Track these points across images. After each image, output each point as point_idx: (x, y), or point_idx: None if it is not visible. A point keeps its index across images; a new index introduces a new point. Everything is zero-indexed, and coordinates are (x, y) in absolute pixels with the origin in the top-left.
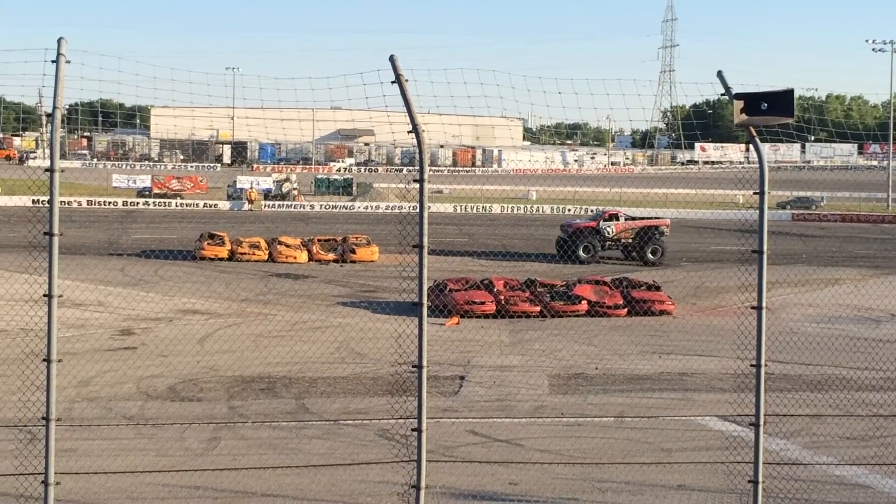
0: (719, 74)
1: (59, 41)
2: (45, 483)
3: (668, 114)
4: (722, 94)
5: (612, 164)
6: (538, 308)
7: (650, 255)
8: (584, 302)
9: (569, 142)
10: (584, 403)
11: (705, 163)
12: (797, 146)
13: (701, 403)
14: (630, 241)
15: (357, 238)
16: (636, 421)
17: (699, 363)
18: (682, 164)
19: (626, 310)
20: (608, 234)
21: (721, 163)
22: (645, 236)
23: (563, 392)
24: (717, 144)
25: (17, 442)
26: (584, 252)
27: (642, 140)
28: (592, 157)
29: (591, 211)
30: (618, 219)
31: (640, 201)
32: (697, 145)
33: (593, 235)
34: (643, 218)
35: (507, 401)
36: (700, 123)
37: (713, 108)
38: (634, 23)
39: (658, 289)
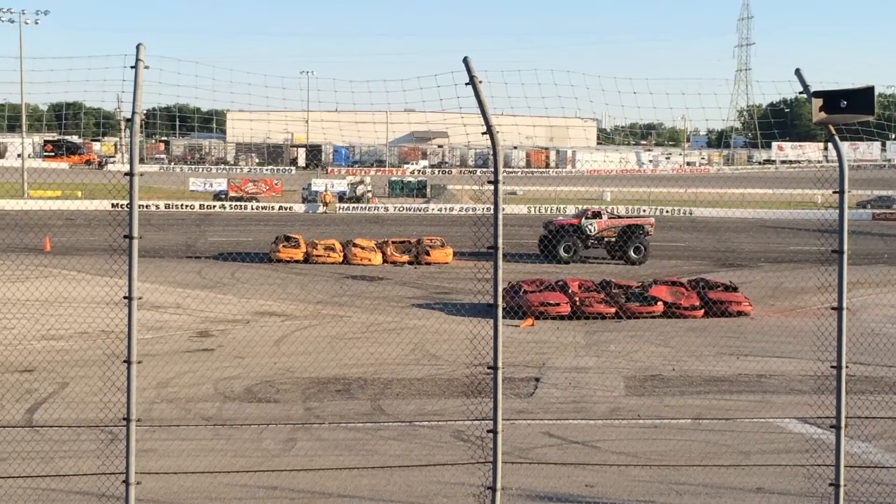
0: (797, 72)
1: (137, 47)
2: (126, 483)
3: (745, 113)
4: (800, 93)
5: (688, 164)
6: (613, 309)
7: (633, 254)
8: (659, 303)
9: (643, 142)
10: (660, 405)
11: (783, 162)
12: (877, 144)
13: (780, 405)
14: (613, 239)
15: (431, 240)
16: (714, 423)
17: (777, 365)
18: (759, 163)
19: (702, 311)
20: (590, 231)
21: (799, 162)
22: (628, 235)
23: (639, 394)
24: (795, 143)
25: (99, 442)
26: (564, 251)
27: (718, 140)
28: (667, 158)
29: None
30: (601, 217)
31: (716, 201)
32: (775, 144)
33: (575, 233)
34: (627, 216)
35: (583, 402)
36: (777, 122)
37: (791, 107)
38: (710, 22)
39: (735, 290)
